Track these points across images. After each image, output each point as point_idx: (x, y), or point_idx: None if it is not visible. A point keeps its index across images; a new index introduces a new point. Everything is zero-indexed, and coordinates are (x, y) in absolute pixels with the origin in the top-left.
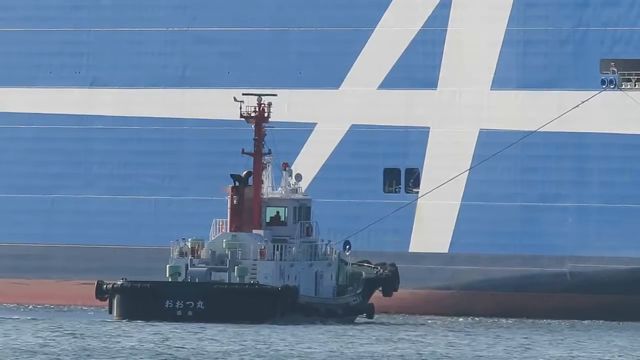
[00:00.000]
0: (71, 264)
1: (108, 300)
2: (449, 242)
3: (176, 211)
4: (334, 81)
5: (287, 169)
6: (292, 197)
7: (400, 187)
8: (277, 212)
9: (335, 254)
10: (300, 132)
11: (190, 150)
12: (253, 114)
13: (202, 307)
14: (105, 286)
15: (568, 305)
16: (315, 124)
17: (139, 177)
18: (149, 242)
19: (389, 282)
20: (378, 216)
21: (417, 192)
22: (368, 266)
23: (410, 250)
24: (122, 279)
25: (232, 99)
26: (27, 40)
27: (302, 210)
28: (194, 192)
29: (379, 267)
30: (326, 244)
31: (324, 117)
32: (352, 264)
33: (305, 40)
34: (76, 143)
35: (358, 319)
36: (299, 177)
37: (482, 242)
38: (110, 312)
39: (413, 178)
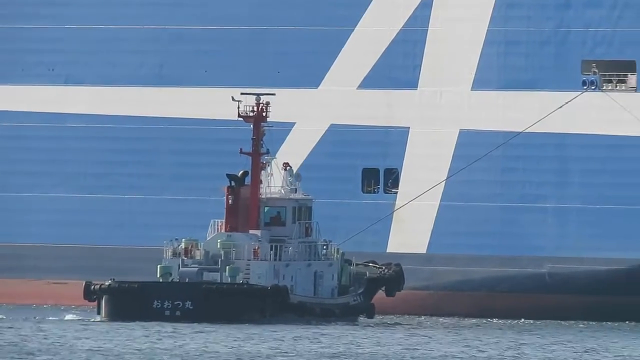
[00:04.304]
0: (42, 263)
1: (96, 301)
2: (427, 242)
3: (151, 210)
4: (313, 80)
5: (287, 168)
6: (291, 196)
7: (379, 187)
8: (278, 212)
9: (338, 254)
10: (279, 132)
11: (166, 149)
12: (251, 114)
13: (191, 307)
14: (93, 287)
15: (546, 305)
16: (294, 123)
17: (113, 176)
18: (124, 241)
19: (392, 282)
20: (356, 216)
21: (396, 193)
22: (373, 266)
23: (388, 251)
24: (111, 279)
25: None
26: (0, 37)
27: (301, 210)
28: (169, 192)
29: (383, 268)
30: (327, 244)
31: (303, 117)
32: (357, 264)
33: (285, 39)
34: (50, 141)
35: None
36: (298, 177)
37: (461, 242)
38: (99, 312)
39: (392, 178)
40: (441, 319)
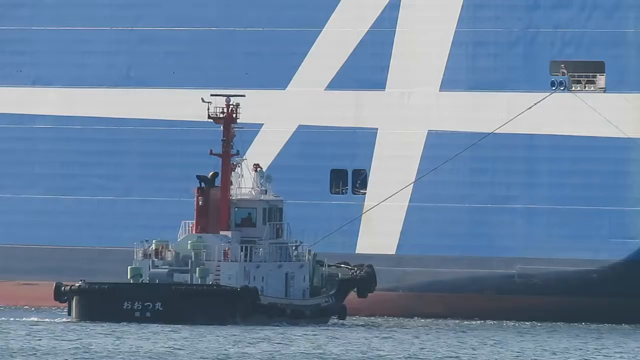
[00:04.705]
0: (11, 264)
1: (67, 302)
2: (397, 243)
3: (121, 212)
4: (281, 82)
5: (257, 170)
6: (261, 198)
7: (347, 189)
8: (249, 214)
9: (309, 255)
10: (247, 133)
11: (134, 150)
12: (221, 115)
13: (161, 309)
14: (63, 288)
15: (516, 307)
16: (262, 124)
17: (81, 177)
18: (94, 242)
19: (364, 283)
20: (325, 217)
21: (365, 194)
22: (346, 267)
23: (357, 252)
24: (81, 280)
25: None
26: None
27: (272, 211)
28: (139, 193)
29: (356, 269)
30: (298, 245)
31: (271, 118)
32: (329, 265)
33: (252, 40)
34: (19, 142)
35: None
36: (269, 178)
37: (430, 243)
38: (69, 313)
39: (360, 179)
40: (412, 321)
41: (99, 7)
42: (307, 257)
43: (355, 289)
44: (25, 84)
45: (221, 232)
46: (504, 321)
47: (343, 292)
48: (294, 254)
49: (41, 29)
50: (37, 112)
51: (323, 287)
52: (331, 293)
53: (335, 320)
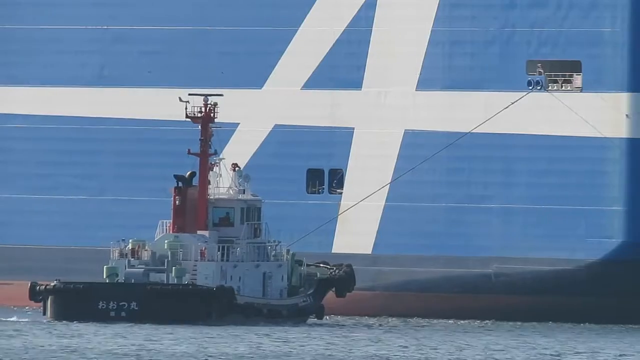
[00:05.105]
0: None
1: (42, 302)
2: (373, 243)
3: (99, 211)
4: (257, 81)
5: (236, 169)
6: (240, 197)
7: (323, 188)
8: (227, 213)
9: (288, 255)
10: (223, 132)
11: (111, 149)
12: (199, 115)
13: (136, 308)
14: (38, 287)
15: (493, 306)
16: (238, 124)
17: (56, 177)
18: (70, 242)
19: (342, 283)
20: (301, 217)
21: (341, 193)
22: (324, 267)
23: (333, 251)
24: (56, 280)
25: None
26: None
27: (250, 211)
28: (117, 192)
29: (334, 268)
30: (276, 245)
31: (247, 117)
32: (308, 264)
33: (228, 39)
34: None
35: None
36: (247, 178)
37: (407, 243)
38: (44, 313)
39: (337, 179)
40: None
41: (73, 6)
42: (285, 256)
43: (333, 289)
44: None
45: (199, 232)
46: (482, 321)
47: (321, 291)
48: (272, 253)
49: (15, 27)
50: (10, 111)
51: (301, 286)
52: (309, 293)
53: (314, 320)
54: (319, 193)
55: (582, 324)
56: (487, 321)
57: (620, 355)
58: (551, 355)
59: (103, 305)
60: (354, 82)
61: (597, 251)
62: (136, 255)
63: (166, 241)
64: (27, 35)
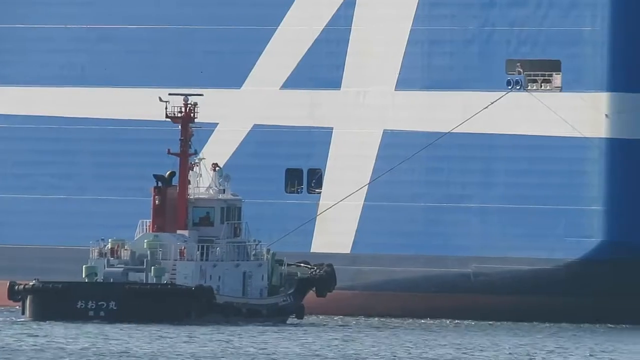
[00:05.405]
0: None
1: (21, 301)
2: (352, 242)
3: (78, 211)
4: (236, 80)
5: (216, 169)
6: (220, 197)
7: (302, 188)
8: (207, 213)
9: (268, 254)
10: (202, 132)
11: (90, 149)
12: (179, 115)
13: (115, 308)
14: (17, 287)
15: (472, 306)
16: (217, 123)
17: (36, 176)
18: (50, 241)
19: (323, 282)
20: (280, 216)
21: (320, 193)
22: (305, 267)
23: (312, 251)
24: (35, 279)
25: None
26: None
27: (230, 210)
28: (97, 192)
29: (315, 268)
30: (257, 244)
31: (226, 117)
32: (288, 264)
33: (207, 38)
34: None
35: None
36: (227, 178)
37: (386, 242)
38: (23, 312)
39: (315, 178)
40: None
41: (56, 5)
42: (265, 256)
43: (313, 288)
44: None
45: (178, 232)
46: (461, 320)
47: (301, 291)
48: (253, 253)
49: None
50: None
51: (282, 286)
52: (289, 292)
53: (294, 319)
54: (297, 193)
55: (559, 324)
56: (465, 321)
57: (589, 356)
58: (522, 355)
59: (82, 305)
60: (333, 82)
61: (576, 251)
62: (115, 255)
63: (145, 240)
64: (8, 34)
